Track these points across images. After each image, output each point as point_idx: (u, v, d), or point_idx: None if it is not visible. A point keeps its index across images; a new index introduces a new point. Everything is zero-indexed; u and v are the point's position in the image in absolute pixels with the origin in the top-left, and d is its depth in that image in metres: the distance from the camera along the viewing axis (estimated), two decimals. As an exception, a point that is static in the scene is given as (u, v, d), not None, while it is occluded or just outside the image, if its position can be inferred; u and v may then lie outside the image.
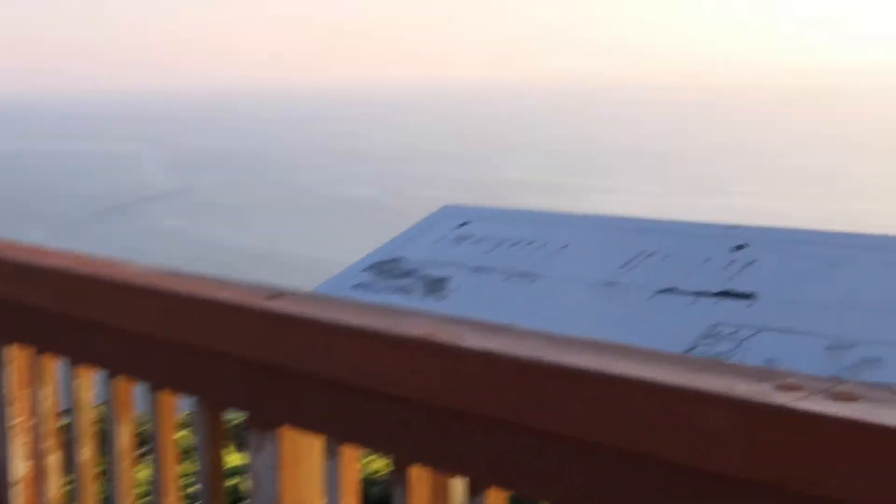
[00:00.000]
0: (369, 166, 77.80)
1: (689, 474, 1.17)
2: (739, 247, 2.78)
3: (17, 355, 2.25)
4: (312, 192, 62.60)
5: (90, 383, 2.11)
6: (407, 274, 2.87)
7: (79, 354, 2.08)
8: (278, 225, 50.43)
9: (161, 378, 1.90)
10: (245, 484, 1.90)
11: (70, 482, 2.16)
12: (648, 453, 1.20)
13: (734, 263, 2.72)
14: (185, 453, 3.21)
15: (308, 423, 1.65)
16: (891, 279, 2.48)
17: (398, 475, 1.52)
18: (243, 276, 1.85)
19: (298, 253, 42.29)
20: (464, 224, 3.13)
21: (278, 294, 1.68)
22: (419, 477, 1.50)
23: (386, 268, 2.94)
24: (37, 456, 2.24)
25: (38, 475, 2.24)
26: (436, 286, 2.81)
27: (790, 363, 2.27)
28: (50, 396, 2.20)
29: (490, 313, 2.67)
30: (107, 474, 2.03)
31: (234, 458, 4.03)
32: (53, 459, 2.23)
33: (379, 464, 4.17)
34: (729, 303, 2.61)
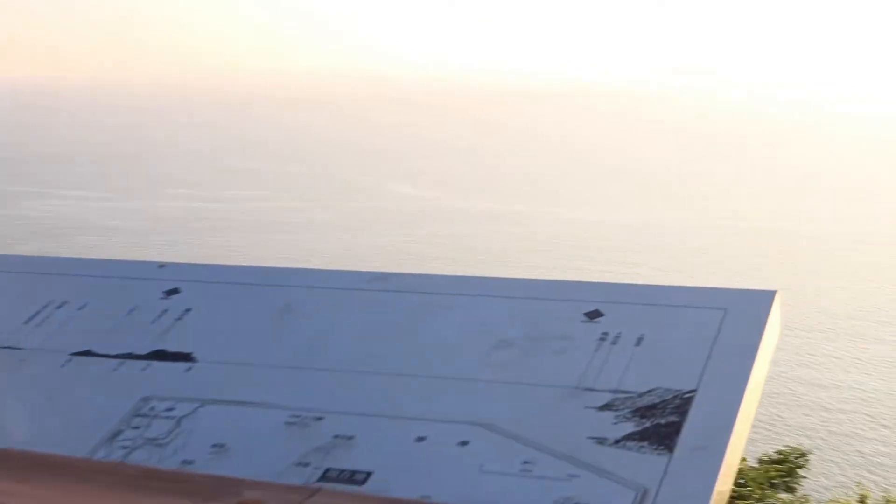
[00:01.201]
0: None
1: None
2: (172, 291, 2.29)
3: None
4: None
5: None
6: None
7: None
8: None
9: None
10: None
11: None
12: None
13: (167, 314, 2.23)
14: None
15: None
16: (353, 326, 2.12)
17: None
18: None
19: None
20: None
21: None
22: None
23: None
24: None
25: None
26: None
27: (245, 448, 1.84)
28: None
29: None
30: None
31: None
32: None
33: None
34: (162, 367, 2.10)
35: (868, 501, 15.38)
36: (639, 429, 1.75)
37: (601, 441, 1.74)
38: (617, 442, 1.73)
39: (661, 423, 1.74)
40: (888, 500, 15.35)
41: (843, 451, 31.69)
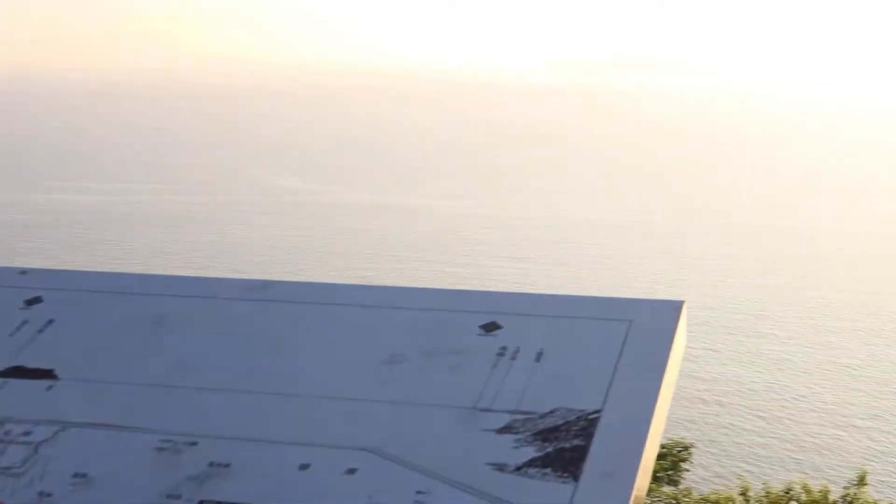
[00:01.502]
0: None
1: None
2: (34, 300, 2.09)
3: None
4: None
5: None
6: None
7: None
8: None
9: None
10: None
11: None
12: None
13: (27, 325, 2.03)
14: None
15: None
16: (232, 340, 1.96)
17: None
18: None
19: None
20: None
21: None
22: None
23: None
24: None
25: None
26: None
27: (110, 477, 1.67)
28: None
29: None
30: None
31: None
32: None
33: None
34: (20, 386, 1.91)
35: (749, 493, 15.66)
36: (541, 454, 1.62)
37: (501, 468, 1.61)
38: (518, 469, 1.60)
39: (566, 447, 1.62)
40: (769, 492, 15.66)
41: (721, 443, 32.41)
